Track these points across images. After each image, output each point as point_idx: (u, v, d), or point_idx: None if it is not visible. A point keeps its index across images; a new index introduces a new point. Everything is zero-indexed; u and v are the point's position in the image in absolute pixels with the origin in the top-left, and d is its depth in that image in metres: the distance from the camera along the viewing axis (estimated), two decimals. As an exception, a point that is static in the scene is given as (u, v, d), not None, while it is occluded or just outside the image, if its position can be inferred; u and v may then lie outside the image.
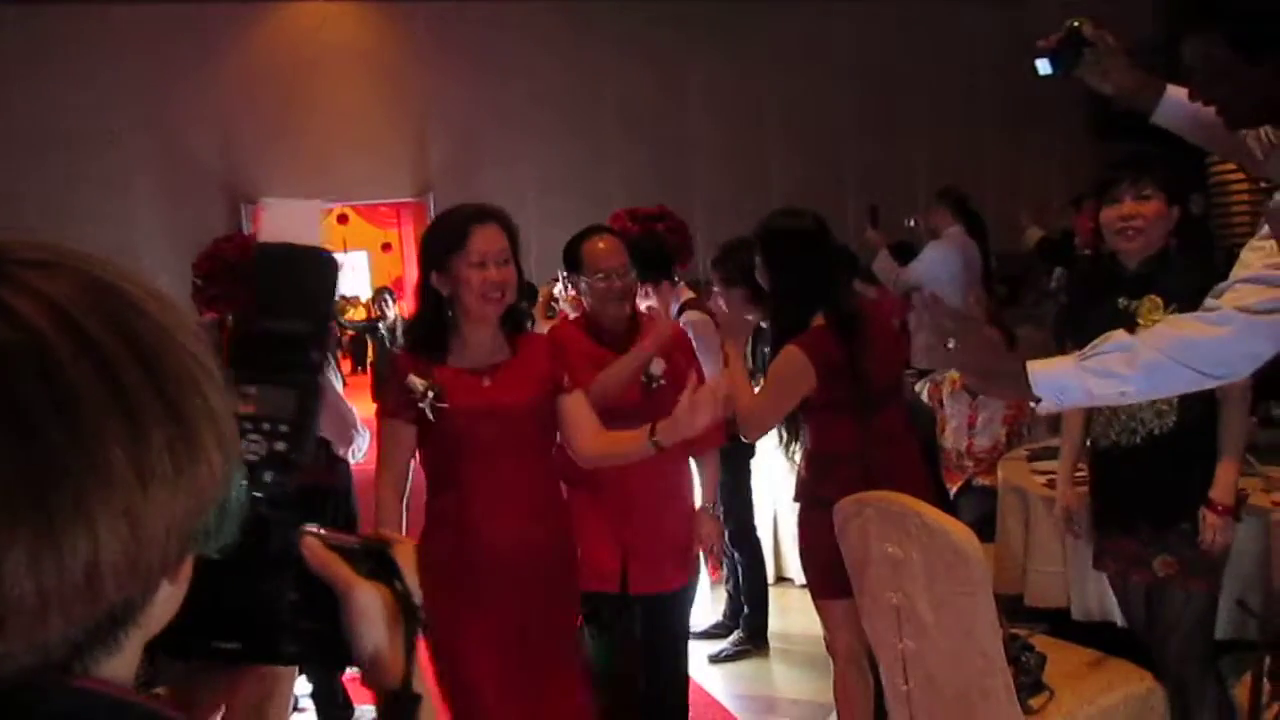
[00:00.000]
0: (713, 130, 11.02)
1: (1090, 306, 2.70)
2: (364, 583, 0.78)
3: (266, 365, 0.96)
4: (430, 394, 2.42)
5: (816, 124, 11.21)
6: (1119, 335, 1.86)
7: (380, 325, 10.61)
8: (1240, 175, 7.29)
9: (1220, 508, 2.50)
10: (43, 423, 0.49)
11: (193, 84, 9.96)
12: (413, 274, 12.82)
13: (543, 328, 5.69)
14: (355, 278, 19.11)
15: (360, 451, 3.66)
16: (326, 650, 0.81)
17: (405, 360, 2.50)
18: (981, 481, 3.94)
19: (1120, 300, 2.59)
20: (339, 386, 3.61)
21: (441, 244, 2.48)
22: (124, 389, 0.52)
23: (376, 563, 0.81)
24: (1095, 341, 1.87)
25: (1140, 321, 2.49)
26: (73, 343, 0.51)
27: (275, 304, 1.12)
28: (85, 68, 9.66)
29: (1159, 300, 2.54)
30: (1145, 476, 2.61)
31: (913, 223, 6.58)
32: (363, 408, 5.88)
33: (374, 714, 0.83)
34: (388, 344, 9.51)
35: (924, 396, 4.22)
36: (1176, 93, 1.95)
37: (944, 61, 11.50)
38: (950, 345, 1.81)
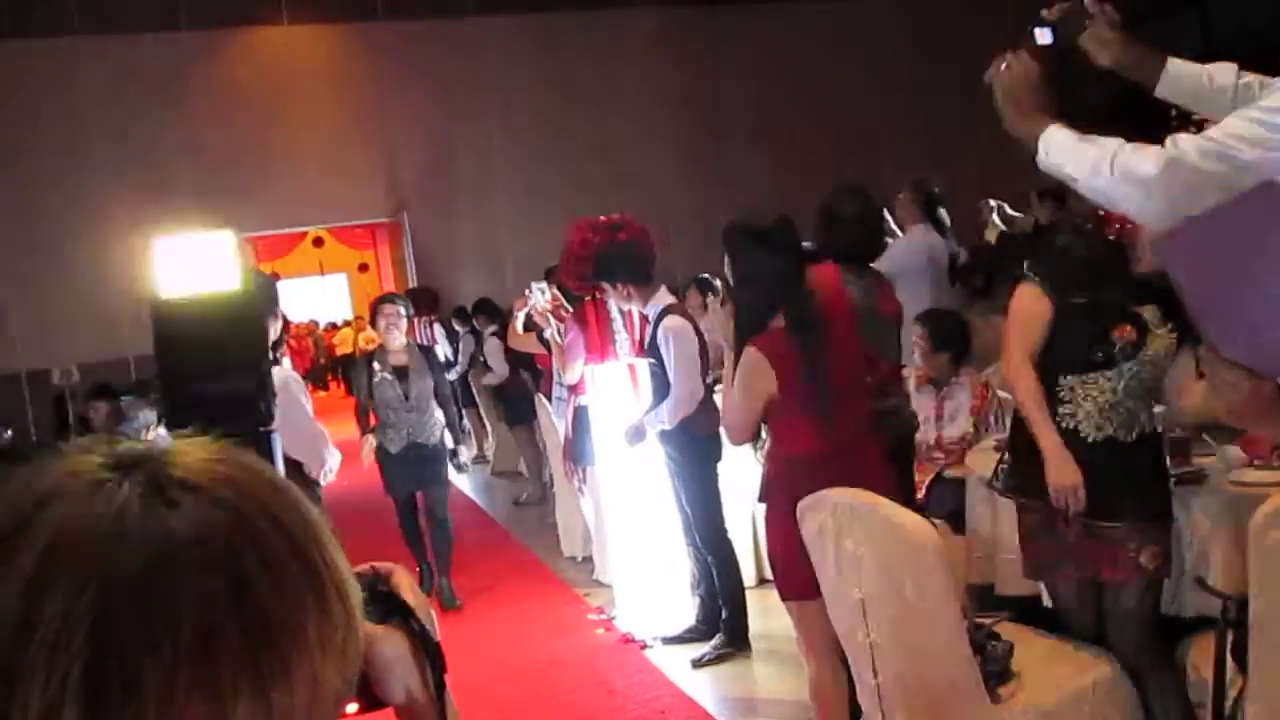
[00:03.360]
0: (679, 138, 11.06)
1: (1093, 287, 2.61)
2: (381, 632, 0.78)
3: (215, 423, 0.97)
4: None
5: (778, 125, 11.26)
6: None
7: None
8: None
9: None
10: (262, 592, 0.56)
11: (164, 112, 9.96)
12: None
13: (522, 342, 5.70)
14: (335, 300, 19.09)
15: (331, 473, 3.65)
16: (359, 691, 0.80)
17: None
18: (952, 473, 3.95)
19: (1130, 304, 2.57)
20: (308, 408, 3.60)
21: None
22: (313, 567, 0.59)
23: (385, 605, 0.80)
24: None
25: (1150, 328, 2.51)
26: (273, 527, 0.58)
27: (209, 365, 1.13)
28: (53, 103, 9.66)
29: (1159, 312, 2.55)
30: (1138, 469, 2.62)
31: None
32: (343, 430, 5.83)
33: None
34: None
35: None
36: (1178, 66, 1.97)
37: (896, 57, 11.55)
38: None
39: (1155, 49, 2.09)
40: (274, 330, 3.71)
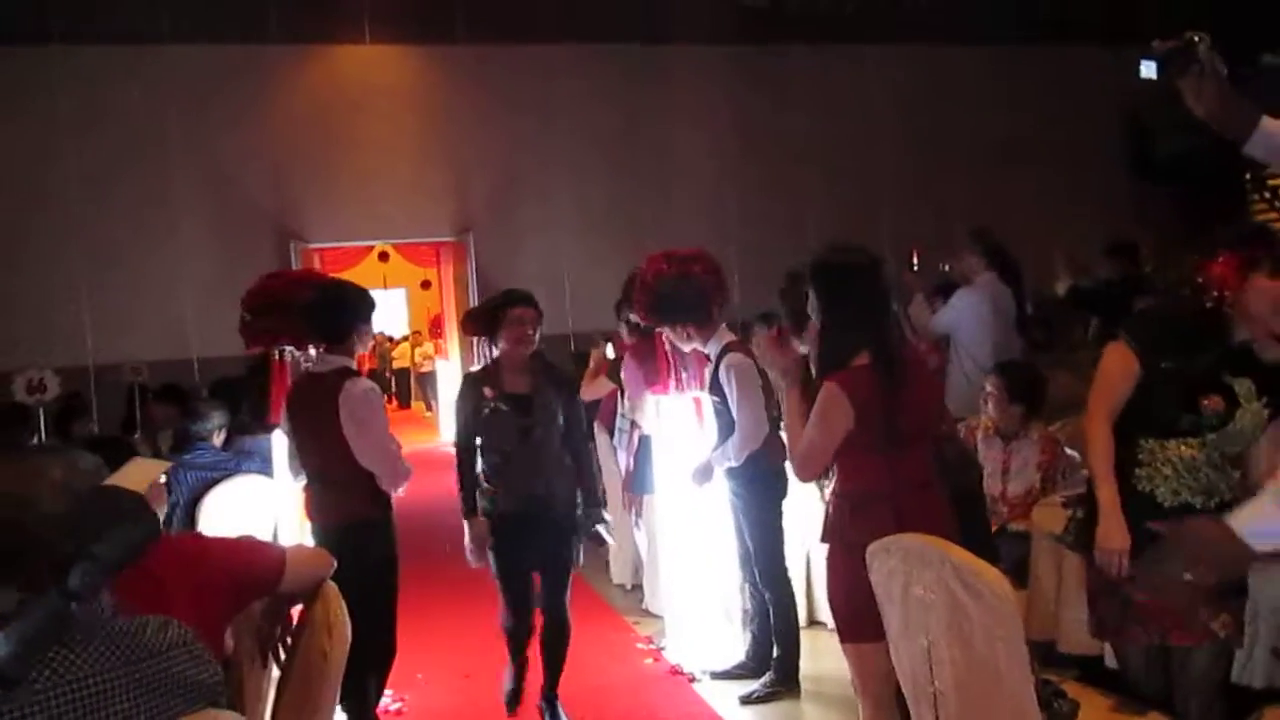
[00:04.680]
0: (750, 173, 11.11)
1: (1186, 354, 2.60)
2: None
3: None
4: None
5: (854, 167, 11.29)
6: None
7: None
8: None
9: None
10: None
11: (243, 124, 10.23)
12: (451, 312, 12.98)
13: (593, 391, 5.75)
14: (393, 314, 19.37)
15: (401, 486, 3.71)
16: None
17: None
18: (1016, 526, 3.93)
19: (1224, 375, 2.56)
20: (384, 420, 3.66)
21: None
22: None
23: None
24: None
25: (1241, 402, 2.50)
26: None
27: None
28: (137, 107, 9.94)
29: (1252, 386, 2.53)
30: None
31: (947, 267, 6.57)
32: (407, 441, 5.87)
33: None
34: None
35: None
36: (1271, 125, 1.99)
37: (974, 103, 11.55)
38: (1188, 577, 1.75)
39: (1251, 105, 2.11)
40: (365, 342, 3.78)
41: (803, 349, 3.63)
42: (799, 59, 11.25)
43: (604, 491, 4.49)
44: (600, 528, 4.03)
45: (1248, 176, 11.22)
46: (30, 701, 1.49)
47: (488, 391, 3.85)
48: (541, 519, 3.85)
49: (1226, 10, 10.24)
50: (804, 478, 3.05)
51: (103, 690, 1.57)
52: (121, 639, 1.62)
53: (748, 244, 9.86)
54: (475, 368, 4.15)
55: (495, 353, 4.02)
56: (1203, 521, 1.81)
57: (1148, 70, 2.11)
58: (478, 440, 3.90)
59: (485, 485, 3.90)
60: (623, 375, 5.22)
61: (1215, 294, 2.52)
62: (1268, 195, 11.24)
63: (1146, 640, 2.65)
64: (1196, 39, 2.05)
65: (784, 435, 3.59)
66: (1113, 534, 2.58)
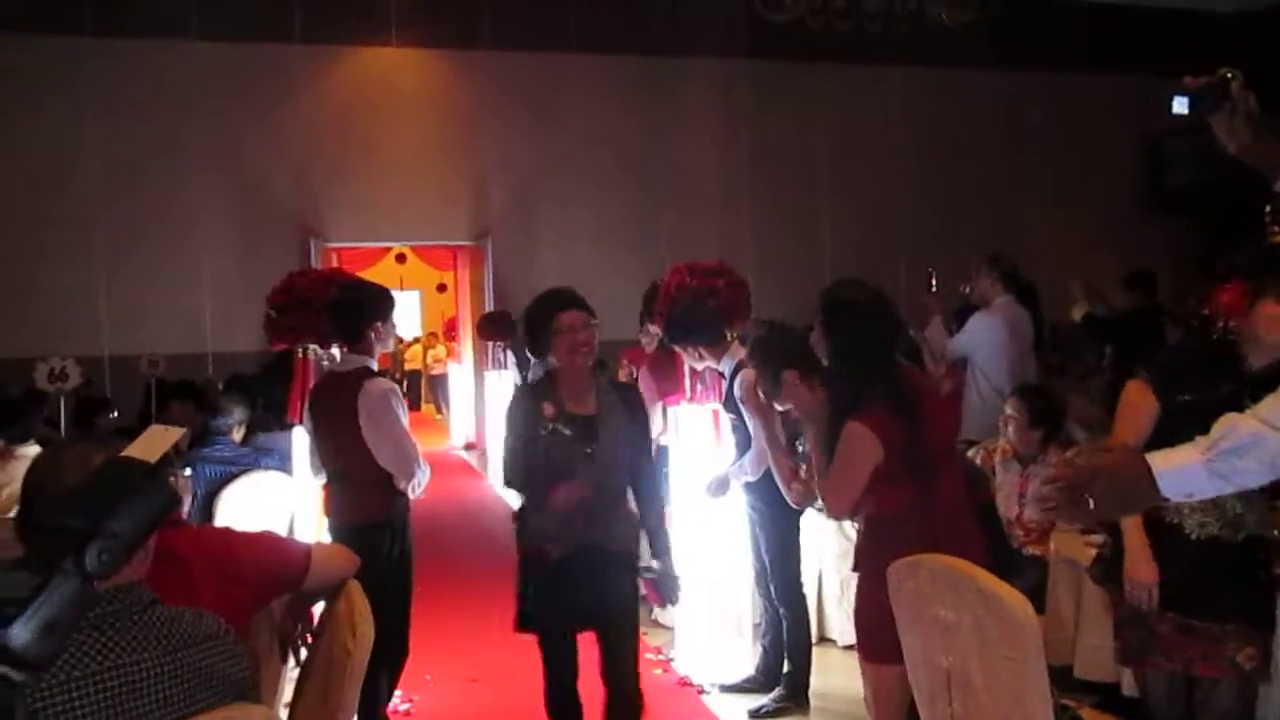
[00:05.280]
0: (766, 190, 11.13)
1: (1203, 387, 2.57)
2: None
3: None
4: None
5: (870, 188, 11.32)
6: (1241, 425, 1.75)
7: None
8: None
9: None
10: None
11: (266, 122, 10.27)
12: (466, 315, 13.00)
13: None
14: (408, 316, 19.42)
15: (420, 487, 3.72)
16: None
17: None
18: (1032, 551, 3.93)
19: (1245, 402, 2.54)
20: (404, 421, 3.68)
21: None
22: None
23: None
24: (1217, 432, 1.77)
25: None
26: None
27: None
28: (163, 102, 10.00)
29: None
30: (1242, 570, 2.59)
31: (967, 289, 6.56)
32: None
33: None
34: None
35: (977, 463, 4.22)
36: None
37: (993, 128, 11.58)
38: (1092, 505, 1.70)
39: None
40: (386, 342, 3.79)
41: (779, 408, 3.61)
42: (819, 77, 11.28)
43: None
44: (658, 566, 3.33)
45: (1267, 209, 11.18)
46: (62, 687, 1.50)
47: (548, 409, 3.14)
48: (601, 566, 3.14)
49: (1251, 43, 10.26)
50: (836, 517, 3.01)
51: (137, 677, 1.58)
52: (158, 627, 1.63)
53: (761, 260, 9.85)
54: (529, 376, 3.85)
55: (535, 367, 3.81)
56: (1126, 454, 1.78)
57: (1180, 106, 2.11)
58: (532, 465, 3.13)
59: (533, 524, 3.15)
60: (640, 387, 5.23)
61: (1223, 322, 2.53)
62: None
63: (1170, 669, 2.65)
64: (1230, 75, 2.05)
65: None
66: (1140, 568, 2.59)
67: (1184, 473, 1.72)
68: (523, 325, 3.28)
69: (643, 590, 3.36)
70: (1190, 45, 10.19)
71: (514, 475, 3.22)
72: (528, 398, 3.23)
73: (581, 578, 3.09)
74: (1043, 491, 1.71)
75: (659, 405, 5.03)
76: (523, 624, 3.20)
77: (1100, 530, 3.28)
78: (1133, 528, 2.65)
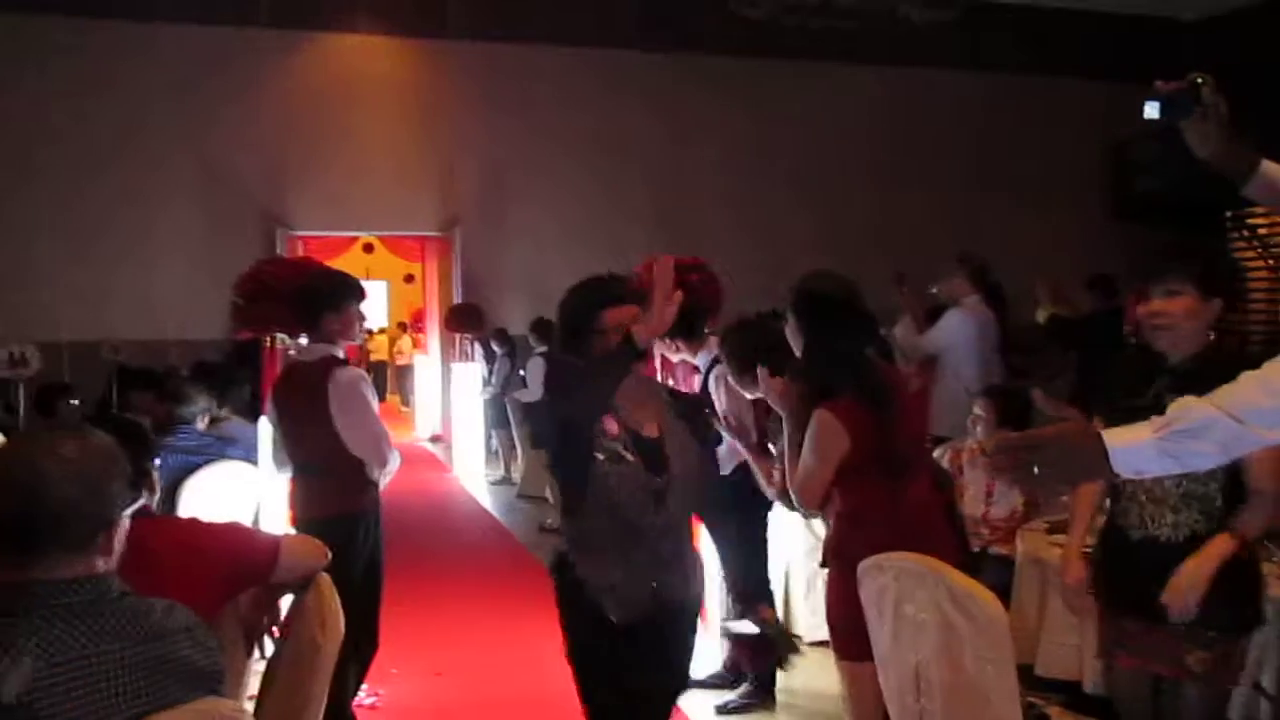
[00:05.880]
0: (728, 184, 11.16)
1: (1129, 393, 2.60)
2: None
3: None
4: None
5: (839, 187, 11.37)
6: (1195, 409, 1.75)
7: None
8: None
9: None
10: None
11: (233, 106, 10.13)
12: (434, 307, 12.90)
13: None
14: (375, 307, 19.25)
15: (390, 474, 3.70)
16: None
17: None
18: (998, 550, 3.96)
19: (1166, 396, 2.56)
20: (375, 408, 3.65)
21: None
22: None
23: None
24: (1172, 413, 1.76)
25: None
26: None
27: None
28: (129, 84, 9.84)
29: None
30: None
31: (935, 289, 6.60)
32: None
33: None
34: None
35: (944, 463, 4.25)
36: (1271, 169, 2.03)
37: (961, 128, 11.67)
38: (1037, 471, 1.69)
39: (1251, 149, 2.14)
40: (350, 332, 3.73)
41: (749, 395, 3.63)
42: (791, 74, 11.31)
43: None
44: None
45: (1228, 214, 11.37)
46: (31, 676, 1.47)
47: (611, 427, 2.48)
48: (673, 627, 2.61)
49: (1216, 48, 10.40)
50: (806, 509, 3.01)
51: (108, 668, 1.55)
52: (130, 618, 1.60)
53: (729, 256, 9.86)
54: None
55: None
56: (1082, 426, 1.81)
57: (1151, 111, 2.13)
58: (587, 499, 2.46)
59: (588, 576, 2.49)
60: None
61: (1129, 328, 2.59)
62: (1247, 233, 11.41)
63: (1132, 665, 2.67)
64: (1200, 80, 2.08)
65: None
66: (1068, 570, 2.72)
67: (1136, 449, 1.75)
68: (559, 321, 2.62)
69: (726, 656, 3.03)
70: (1156, 51, 10.33)
71: (572, 507, 2.52)
72: (578, 408, 2.46)
73: (662, 644, 2.56)
74: (994, 457, 1.72)
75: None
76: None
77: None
78: (1072, 530, 2.76)
